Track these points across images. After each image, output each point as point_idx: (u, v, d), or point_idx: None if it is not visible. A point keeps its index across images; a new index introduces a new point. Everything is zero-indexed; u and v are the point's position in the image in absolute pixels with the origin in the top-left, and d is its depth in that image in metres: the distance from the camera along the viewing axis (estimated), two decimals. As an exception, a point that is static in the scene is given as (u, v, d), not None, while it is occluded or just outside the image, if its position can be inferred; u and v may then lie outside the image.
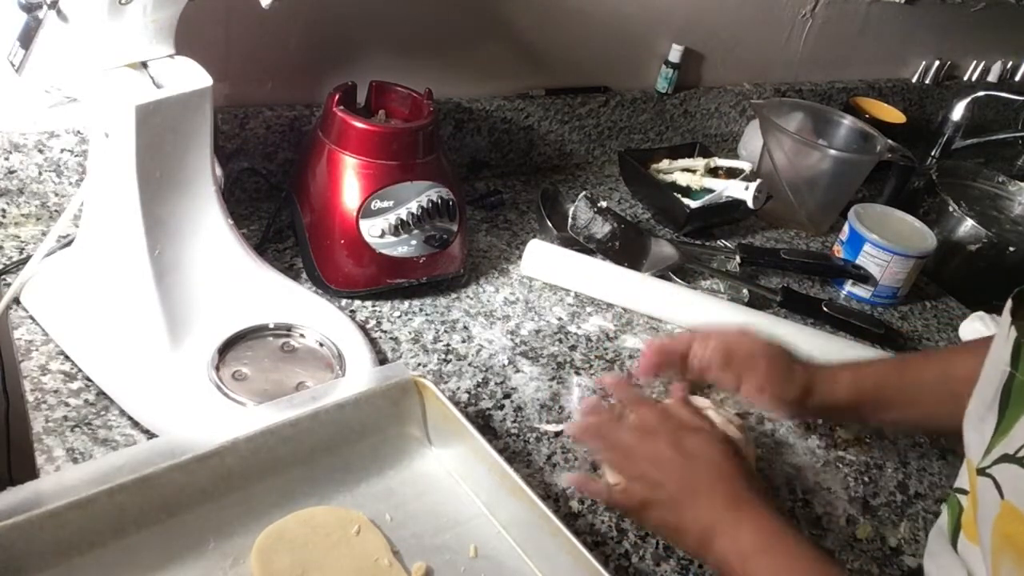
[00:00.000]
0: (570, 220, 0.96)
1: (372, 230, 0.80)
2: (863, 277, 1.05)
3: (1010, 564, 0.50)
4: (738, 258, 1.03)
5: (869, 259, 1.04)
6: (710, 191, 1.11)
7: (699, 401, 0.72)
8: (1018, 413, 0.52)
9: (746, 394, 0.73)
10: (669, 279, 0.98)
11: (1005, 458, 0.51)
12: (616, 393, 0.72)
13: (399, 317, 0.84)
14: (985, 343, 0.61)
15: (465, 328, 0.85)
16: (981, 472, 0.54)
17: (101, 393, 0.66)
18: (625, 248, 0.99)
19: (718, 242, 1.11)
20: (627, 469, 0.64)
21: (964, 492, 0.58)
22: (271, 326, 0.74)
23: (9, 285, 0.72)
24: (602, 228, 0.98)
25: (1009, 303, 0.58)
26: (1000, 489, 0.51)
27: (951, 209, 1.23)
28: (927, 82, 1.64)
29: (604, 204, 1.00)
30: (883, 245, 1.03)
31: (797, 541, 0.57)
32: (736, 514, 0.58)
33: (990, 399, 0.55)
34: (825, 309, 0.98)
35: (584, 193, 0.98)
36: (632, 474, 0.63)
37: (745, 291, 0.99)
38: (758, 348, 0.73)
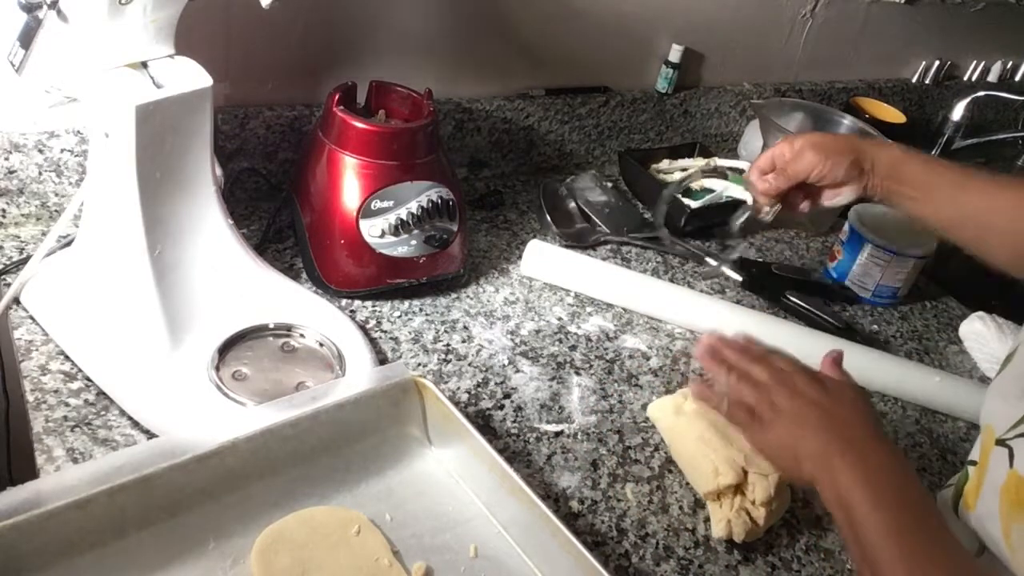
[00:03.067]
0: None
1: (372, 230, 0.80)
2: (849, 299, 1.06)
3: (1022, 528, 0.50)
4: (739, 276, 1.02)
5: (869, 259, 1.04)
6: (710, 191, 1.11)
7: None
8: None
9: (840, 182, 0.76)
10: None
11: None
12: (743, 345, 0.67)
13: (399, 317, 0.84)
14: None
15: (465, 328, 0.85)
16: (1000, 442, 0.54)
17: (101, 393, 0.66)
18: (615, 213, 1.08)
19: (709, 260, 1.10)
20: (750, 392, 0.62)
21: (974, 463, 0.59)
22: (271, 326, 0.74)
23: (9, 285, 0.72)
24: (599, 196, 1.08)
25: None
26: (1012, 459, 0.52)
27: (951, 209, 1.23)
28: (927, 82, 1.64)
29: (609, 184, 1.12)
30: (883, 245, 1.03)
31: (919, 485, 0.55)
32: (870, 442, 0.56)
33: None
34: (789, 298, 1.00)
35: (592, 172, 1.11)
36: (755, 396, 0.61)
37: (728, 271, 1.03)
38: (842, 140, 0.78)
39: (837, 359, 0.65)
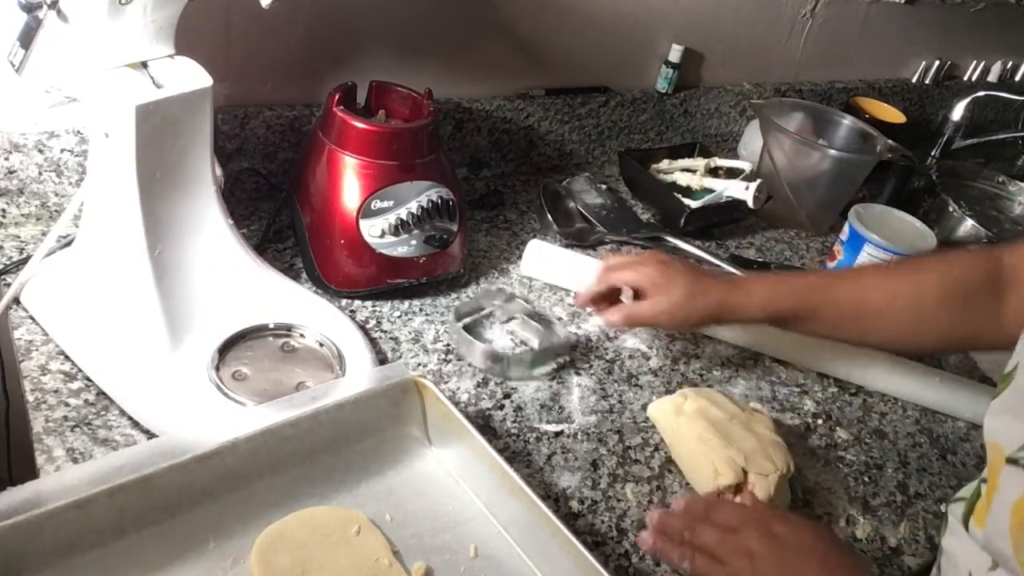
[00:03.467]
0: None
1: (372, 230, 0.80)
2: None
3: None
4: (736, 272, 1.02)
5: (869, 259, 1.04)
6: (710, 191, 1.11)
7: (755, 406, 0.74)
8: None
9: (656, 309, 0.76)
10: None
11: None
12: (685, 506, 0.66)
13: (399, 317, 0.84)
14: (901, 264, 0.64)
15: (472, 329, 0.84)
16: (1011, 461, 0.54)
17: (101, 393, 0.66)
18: (611, 215, 1.09)
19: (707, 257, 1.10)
20: (716, 571, 0.60)
21: (985, 481, 0.59)
22: (271, 326, 0.74)
23: (9, 285, 0.72)
24: (595, 199, 1.09)
25: None
26: None
27: (951, 209, 1.23)
28: (927, 82, 1.64)
29: (604, 186, 1.13)
30: (883, 245, 1.03)
31: None
32: None
33: None
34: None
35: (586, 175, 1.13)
36: (726, 574, 0.60)
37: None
38: (674, 267, 0.77)
39: (753, 500, 0.66)
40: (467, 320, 0.84)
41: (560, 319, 0.89)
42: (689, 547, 0.62)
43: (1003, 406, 0.60)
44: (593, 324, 0.90)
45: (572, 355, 0.84)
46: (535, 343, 0.83)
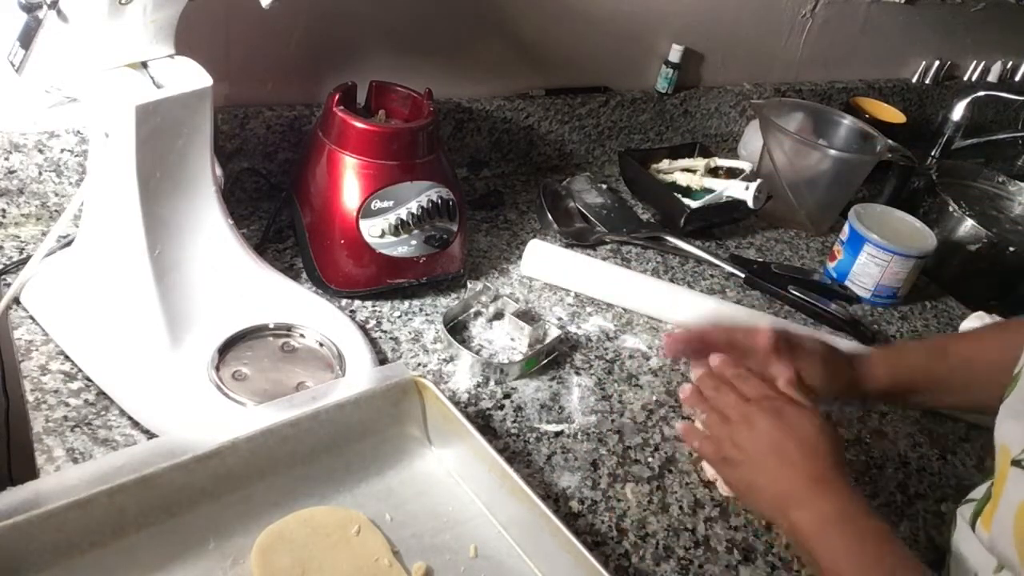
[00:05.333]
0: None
1: (372, 230, 0.80)
2: (849, 299, 1.06)
3: None
4: (742, 275, 1.03)
5: (869, 259, 1.04)
6: (710, 191, 1.11)
7: None
8: None
9: (794, 382, 0.73)
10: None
11: None
12: (718, 367, 0.71)
13: (399, 317, 0.84)
14: (1011, 326, 0.63)
15: (465, 328, 0.84)
16: (1016, 463, 0.54)
17: (101, 393, 0.66)
18: (612, 215, 1.09)
19: (707, 257, 1.11)
20: (719, 428, 0.66)
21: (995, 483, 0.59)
22: (271, 326, 0.74)
23: (9, 285, 0.72)
24: (595, 199, 1.10)
25: None
26: None
27: (951, 209, 1.23)
28: (927, 82, 1.64)
29: (604, 186, 1.13)
30: (883, 245, 1.03)
31: (872, 521, 0.58)
32: (818, 487, 0.60)
33: None
34: (792, 292, 1.01)
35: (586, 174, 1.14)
36: (723, 433, 0.66)
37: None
38: (813, 343, 0.76)
39: (791, 379, 0.68)
40: (455, 322, 0.84)
41: (560, 319, 0.89)
42: (708, 404, 0.68)
43: (1011, 408, 0.60)
44: (593, 324, 0.90)
45: (561, 348, 0.84)
46: (524, 341, 0.83)
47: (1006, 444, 0.58)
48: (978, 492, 0.63)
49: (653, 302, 0.92)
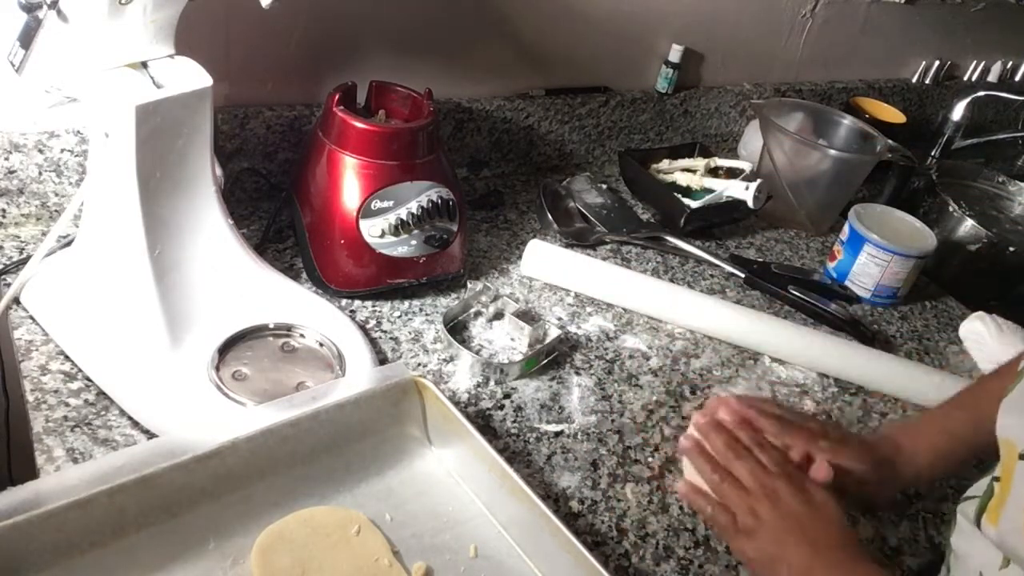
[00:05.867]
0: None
1: (372, 230, 0.80)
2: (849, 299, 1.06)
3: None
4: (742, 275, 1.03)
5: (869, 259, 1.04)
6: (710, 191, 1.11)
7: None
8: None
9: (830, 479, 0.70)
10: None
11: None
12: (735, 429, 0.69)
13: (399, 317, 0.84)
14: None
15: (465, 328, 0.84)
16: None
17: (101, 393, 0.66)
18: (612, 215, 1.08)
19: (707, 257, 1.11)
20: (737, 498, 0.64)
21: (998, 479, 0.59)
22: (271, 326, 0.74)
23: (9, 285, 0.72)
24: (596, 199, 1.10)
25: None
26: None
27: (951, 209, 1.23)
28: (927, 82, 1.64)
29: (604, 186, 1.13)
30: (883, 245, 1.03)
31: None
32: (843, 566, 0.59)
33: None
34: (792, 292, 1.00)
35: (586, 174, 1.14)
36: (741, 503, 0.63)
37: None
38: (859, 437, 0.74)
39: (827, 476, 0.66)
40: (455, 322, 0.84)
41: (560, 319, 0.89)
42: (719, 466, 0.66)
43: (1015, 403, 0.59)
44: (593, 324, 0.90)
45: (561, 348, 0.84)
46: (524, 341, 0.83)
47: (1011, 439, 0.58)
48: (978, 488, 0.63)
49: (653, 302, 0.92)
